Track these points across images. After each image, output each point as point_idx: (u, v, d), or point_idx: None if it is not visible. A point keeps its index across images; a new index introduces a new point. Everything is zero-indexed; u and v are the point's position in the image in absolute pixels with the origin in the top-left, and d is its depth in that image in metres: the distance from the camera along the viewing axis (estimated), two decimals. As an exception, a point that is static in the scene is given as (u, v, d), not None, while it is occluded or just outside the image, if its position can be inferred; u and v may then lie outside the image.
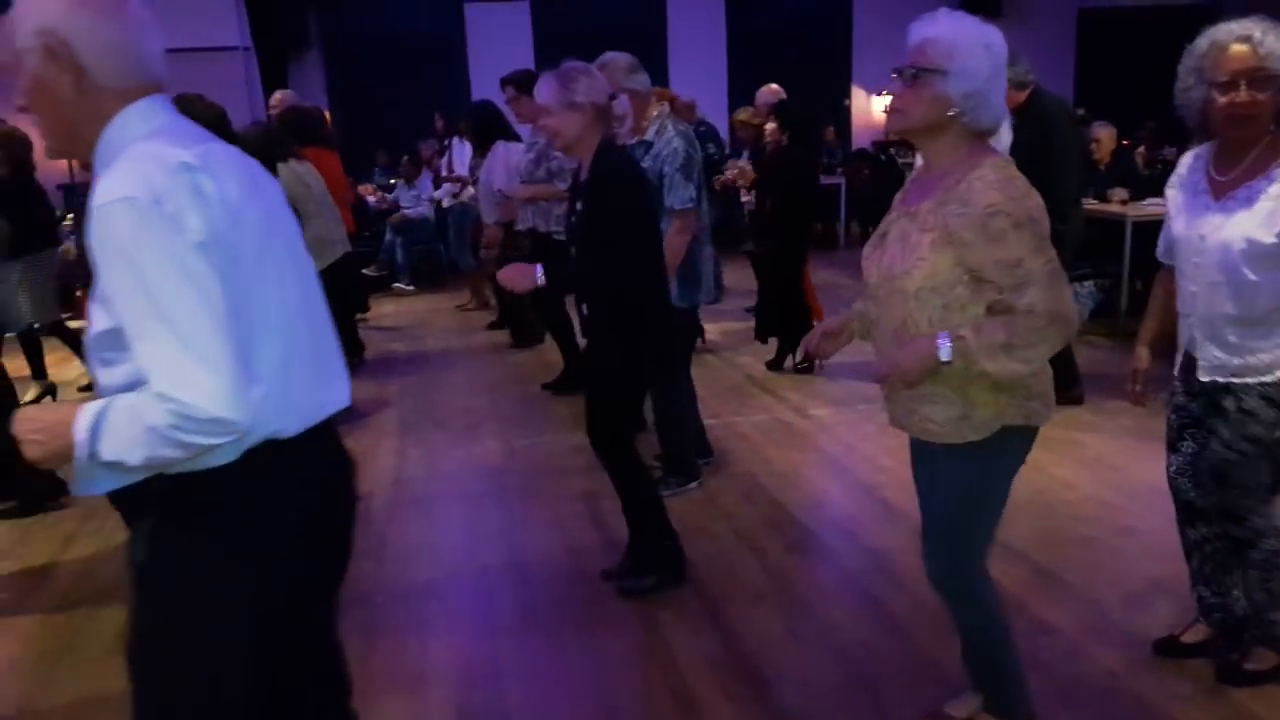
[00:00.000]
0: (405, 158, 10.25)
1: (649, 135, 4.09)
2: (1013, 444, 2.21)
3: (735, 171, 6.92)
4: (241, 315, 1.51)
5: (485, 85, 11.57)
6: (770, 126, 6.12)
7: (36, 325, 6.03)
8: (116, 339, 1.51)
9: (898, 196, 2.35)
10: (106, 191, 1.46)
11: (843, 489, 4.44)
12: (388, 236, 10.06)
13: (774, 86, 7.53)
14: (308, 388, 1.68)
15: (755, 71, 10.39)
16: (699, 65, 12.33)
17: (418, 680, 2.94)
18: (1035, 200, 2.09)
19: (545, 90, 3.17)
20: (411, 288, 10.04)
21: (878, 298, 2.24)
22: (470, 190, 8.10)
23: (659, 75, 10.94)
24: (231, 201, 1.55)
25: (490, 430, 5.32)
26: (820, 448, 4.89)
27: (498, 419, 5.53)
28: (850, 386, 5.77)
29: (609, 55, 4.02)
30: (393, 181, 10.69)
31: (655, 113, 4.14)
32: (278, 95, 7.33)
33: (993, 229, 2.03)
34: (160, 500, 1.61)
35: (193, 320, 1.45)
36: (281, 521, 1.68)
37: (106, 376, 1.58)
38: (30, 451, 1.53)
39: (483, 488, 4.52)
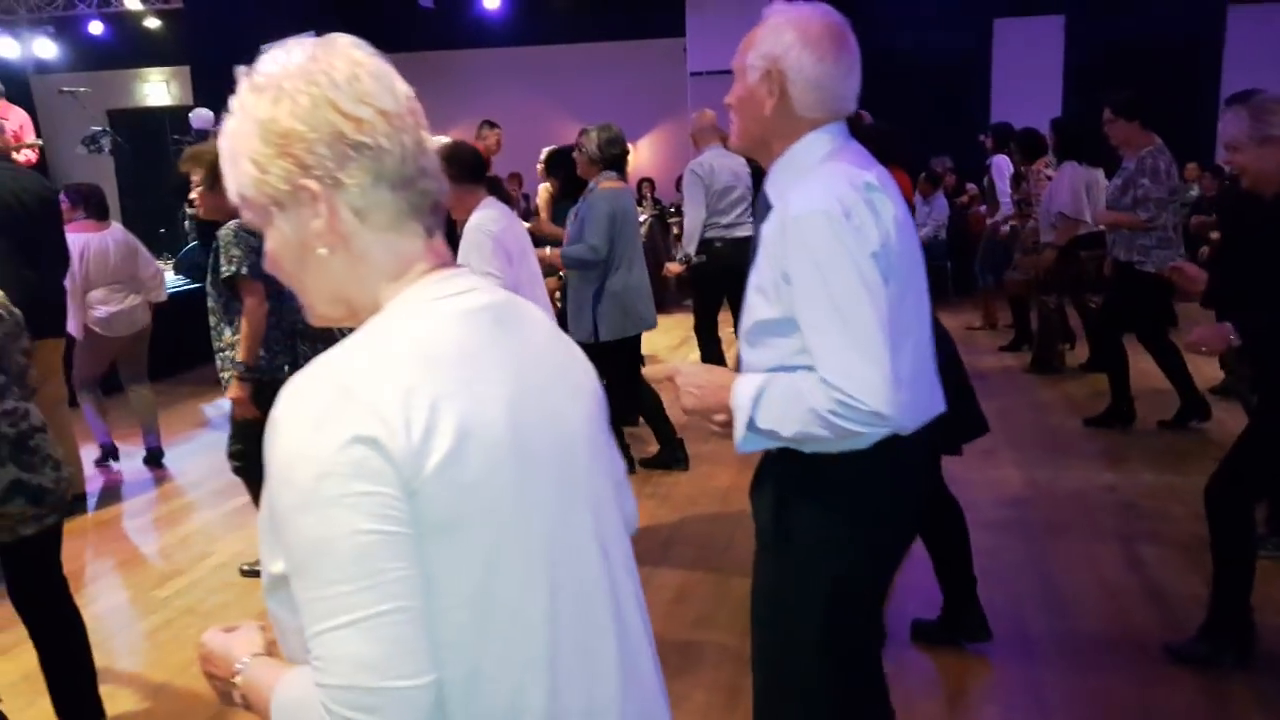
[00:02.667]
0: (922, 175, 10.31)
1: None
2: None
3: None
4: (891, 323, 1.71)
5: (1007, 101, 11.30)
6: None
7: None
8: (774, 326, 1.80)
9: None
10: (804, 204, 1.74)
11: None
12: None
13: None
14: (922, 392, 1.87)
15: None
16: None
17: (958, 694, 3.05)
18: None
19: (1234, 124, 3.03)
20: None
21: None
22: (1007, 208, 7.94)
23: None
24: (896, 219, 1.78)
25: (1008, 458, 5.24)
26: None
27: (1013, 447, 5.43)
28: None
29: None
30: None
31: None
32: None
33: None
34: (790, 477, 1.90)
35: (863, 322, 1.69)
36: (895, 508, 1.94)
37: (753, 356, 1.89)
38: (686, 401, 1.89)
39: (1003, 516, 4.49)
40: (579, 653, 1.06)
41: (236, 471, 4.07)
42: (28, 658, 3.06)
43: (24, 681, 3.28)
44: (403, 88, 1.07)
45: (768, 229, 1.83)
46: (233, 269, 3.74)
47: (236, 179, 1.06)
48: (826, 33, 1.82)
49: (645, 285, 4.99)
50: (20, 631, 2.93)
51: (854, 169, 1.80)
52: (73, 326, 5.20)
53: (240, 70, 1.07)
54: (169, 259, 8.66)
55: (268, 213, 1.06)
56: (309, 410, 0.96)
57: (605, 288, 4.78)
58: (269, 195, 1.04)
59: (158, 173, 10.61)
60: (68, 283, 5.01)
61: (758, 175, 6.25)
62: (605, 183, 4.85)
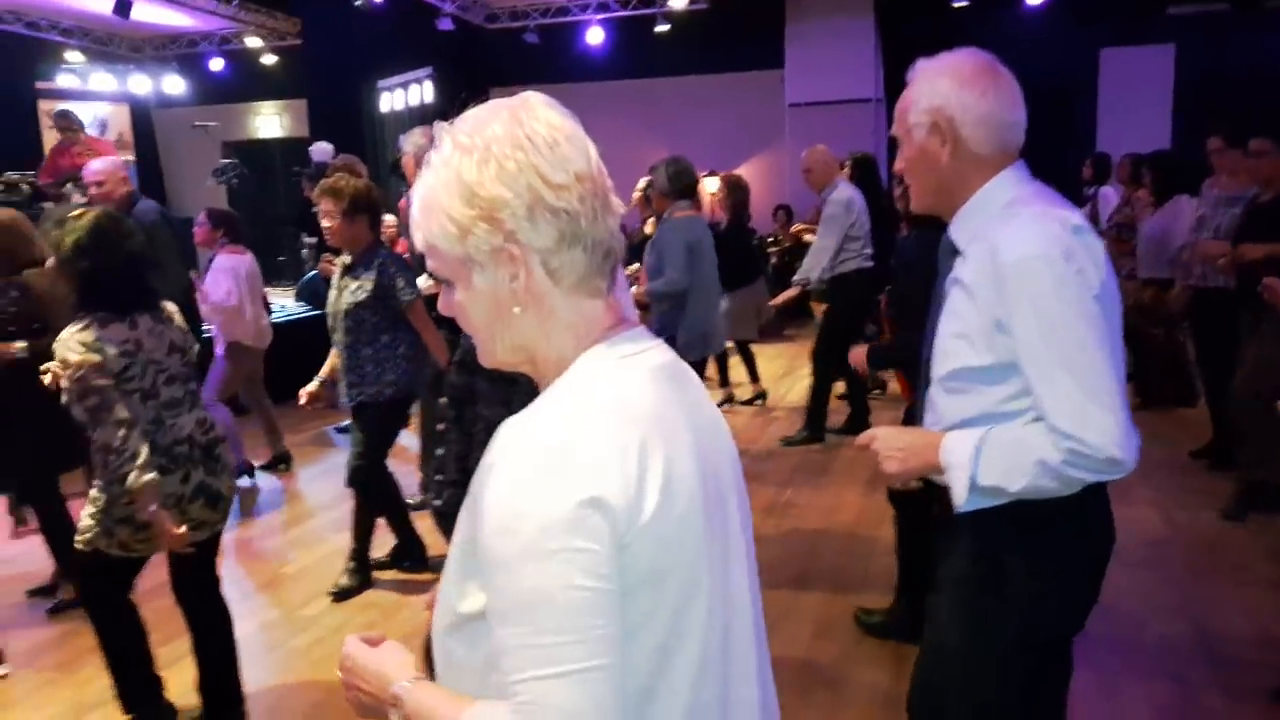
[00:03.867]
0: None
1: None
2: None
3: None
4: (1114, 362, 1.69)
5: (1113, 131, 11.09)
6: None
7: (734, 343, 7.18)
8: (982, 374, 1.77)
9: None
10: (1019, 249, 1.70)
11: None
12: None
13: None
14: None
15: None
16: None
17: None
18: None
19: None
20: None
21: None
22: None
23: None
24: (1103, 260, 1.76)
25: (1142, 496, 5.11)
26: None
27: (1147, 485, 5.29)
28: None
29: None
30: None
31: None
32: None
33: None
34: (994, 526, 1.84)
35: (1094, 367, 1.66)
36: (1095, 553, 1.90)
37: (953, 403, 1.85)
38: (889, 466, 1.86)
39: (1145, 557, 4.38)
40: (737, 703, 1.13)
41: (351, 483, 4.26)
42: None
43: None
44: (593, 149, 1.11)
45: (966, 274, 1.80)
46: (413, 294, 4.11)
47: (430, 231, 1.09)
48: (979, 70, 1.83)
49: (719, 311, 5.23)
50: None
51: (1059, 210, 1.78)
52: (221, 343, 5.53)
53: (440, 126, 1.12)
54: (289, 285, 8.98)
55: (462, 269, 1.09)
56: (532, 464, 1.00)
57: (685, 312, 4.87)
58: (467, 254, 1.07)
59: (270, 202, 10.99)
60: (231, 300, 5.51)
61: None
62: (678, 212, 4.98)
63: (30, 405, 3.68)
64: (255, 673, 3.66)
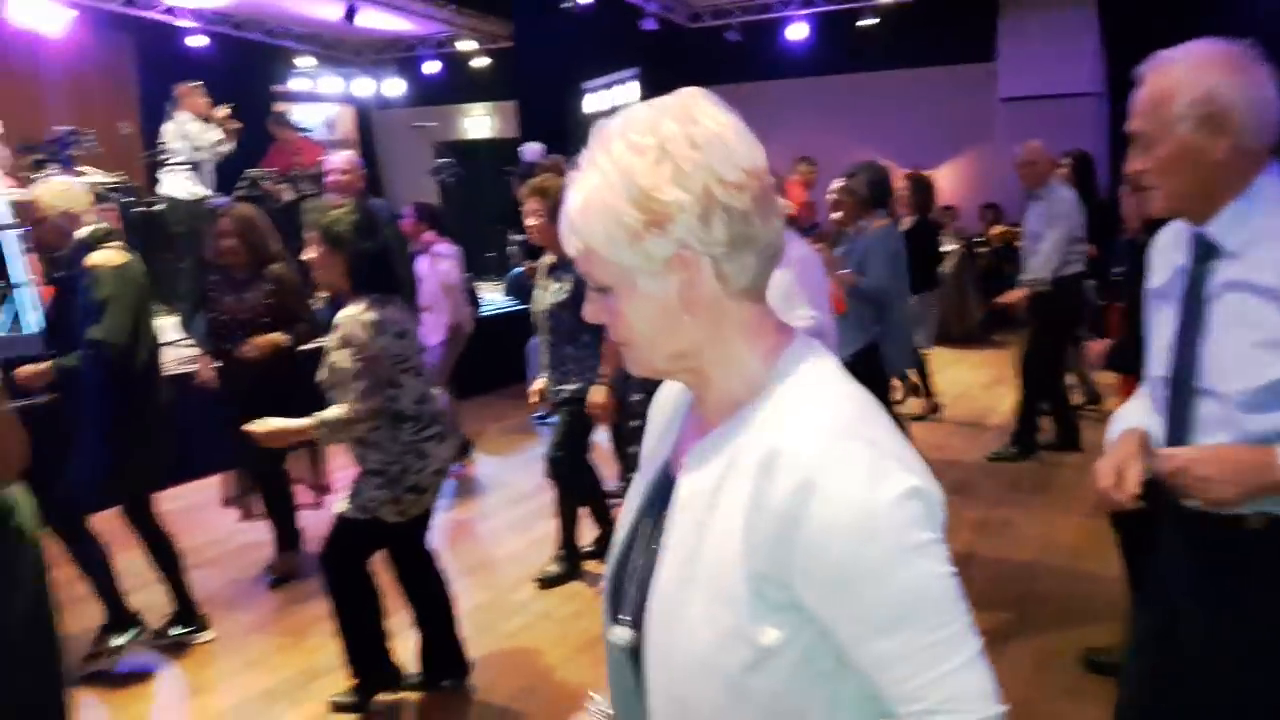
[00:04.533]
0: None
1: None
2: None
3: None
4: None
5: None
6: None
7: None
8: None
9: None
10: None
11: None
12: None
13: None
14: None
15: None
16: None
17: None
18: None
19: None
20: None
21: None
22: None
23: None
24: None
25: None
26: None
27: None
28: None
29: None
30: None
31: None
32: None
33: None
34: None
35: None
36: None
37: (1264, 421, 1.65)
38: (1218, 493, 1.63)
39: None
40: None
41: (550, 473, 4.36)
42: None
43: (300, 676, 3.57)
44: (759, 145, 1.04)
45: (1266, 277, 1.65)
46: None
47: (591, 234, 1.03)
48: (1244, 58, 1.68)
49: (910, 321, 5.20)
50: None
51: None
52: (440, 331, 5.86)
53: (606, 126, 1.05)
54: (497, 280, 9.33)
55: (626, 275, 1.03)
56: (863, 469, 0.96)
57: (889, 324, 4.72)
58: (636, 260, 1.02)
59: (479, 200, 11.46)
60: (438, 291, 5.85)
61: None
62: (877, 222, 4.90)
63: (281, 391, 3.97)
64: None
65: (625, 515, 1.21)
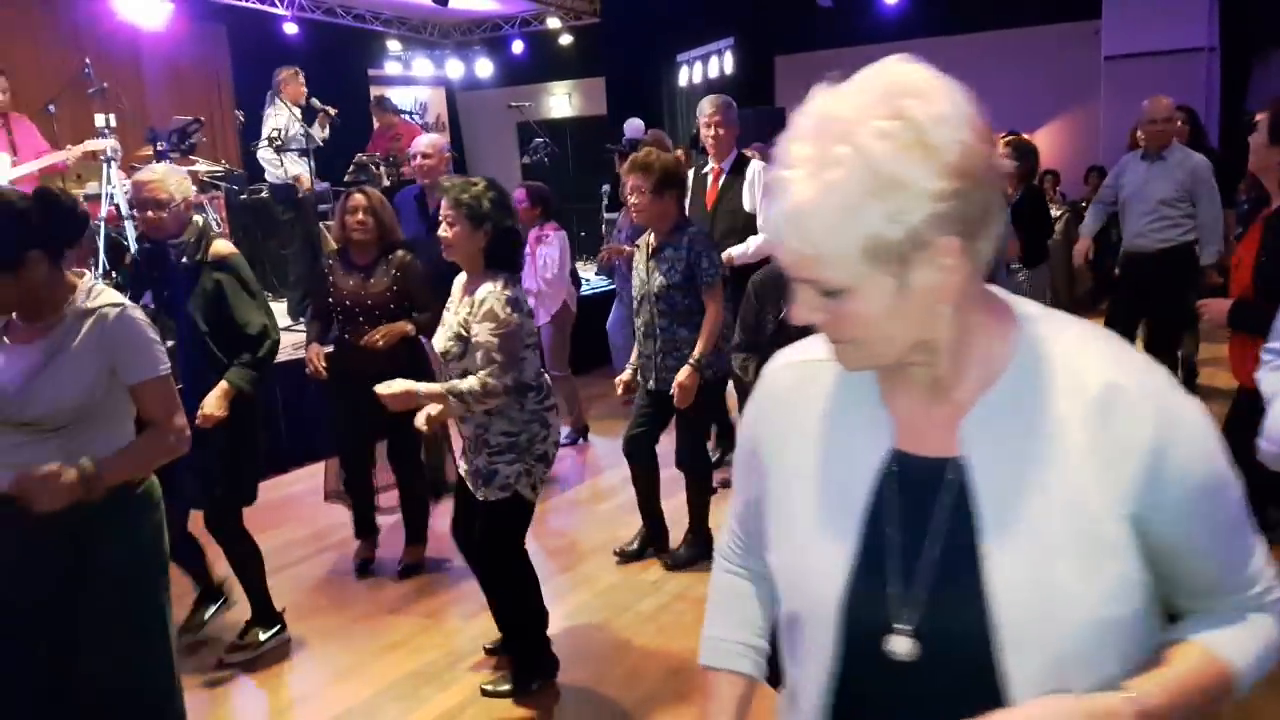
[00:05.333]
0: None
1: None
2: None
3: None
4: None
5: None
6: None
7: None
8: None
9: None
10: None
11: None
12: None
13: None
14: None
15: None
16: None
17: None
18: None
19: None
20: None
21: None
22: None
23: None
24: None
25: None
26: None
27: None
28: None
29: None
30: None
31: None
32: None
33: None
34: None
35: None
36: None
37: None
38: None
39: None
40: None
41: (681, 464, 4.37)
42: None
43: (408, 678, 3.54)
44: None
45: None
46: (715, 274, 4.08)
47: (827, 236, 0.94)
48: None
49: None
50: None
51: None
52: (548, 312, 5.90)
53: (829, 114, 0.95)
54: (590, 260, 9.28)
55: (871, 273, 0.95)
56: (1180, 391, 1.03)
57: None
58: (883, 258, 0.94)
59: (564, 179, 11.42)
60: (551, 272, 5.88)
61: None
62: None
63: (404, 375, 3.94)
64: (607, 634, 3.82)
65: (817, 528, 1.10)
